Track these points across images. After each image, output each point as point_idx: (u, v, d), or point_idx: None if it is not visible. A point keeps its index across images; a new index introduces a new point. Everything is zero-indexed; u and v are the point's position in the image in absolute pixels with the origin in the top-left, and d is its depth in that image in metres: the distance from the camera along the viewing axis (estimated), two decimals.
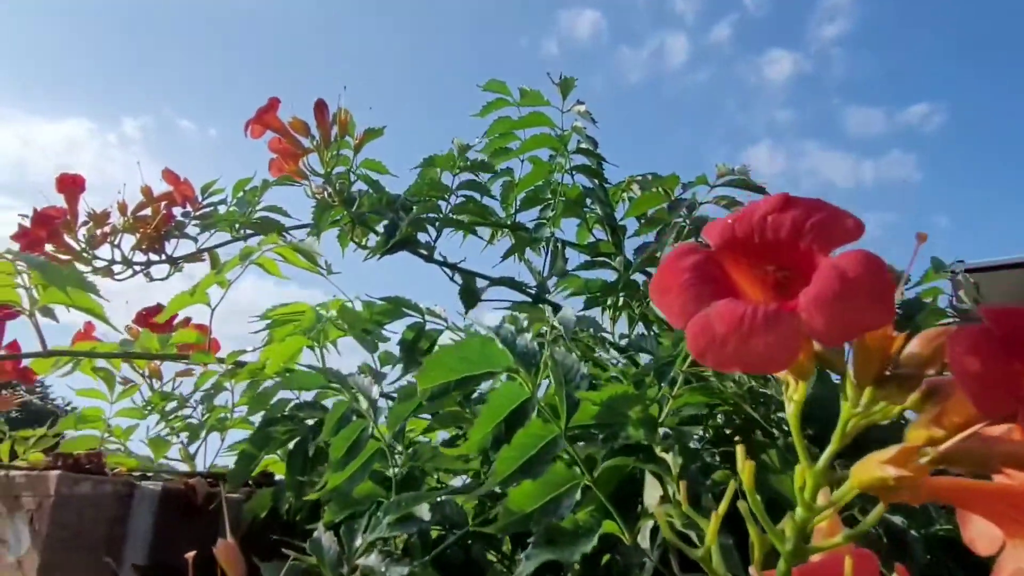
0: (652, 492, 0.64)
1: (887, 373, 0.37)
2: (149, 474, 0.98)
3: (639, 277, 1.32)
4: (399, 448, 0.74)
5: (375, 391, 0.76)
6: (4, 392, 1.04)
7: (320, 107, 1.18)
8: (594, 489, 0.60)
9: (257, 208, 1.45)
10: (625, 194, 1.53)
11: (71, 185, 1.42)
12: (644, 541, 0.62)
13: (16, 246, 1.36)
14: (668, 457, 0.61)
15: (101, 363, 1.08)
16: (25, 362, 1.03)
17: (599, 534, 0.58)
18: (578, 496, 0.59)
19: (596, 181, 1.35)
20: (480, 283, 1.32)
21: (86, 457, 0.90)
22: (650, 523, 0.62)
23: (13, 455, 0.95)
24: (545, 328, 0.77)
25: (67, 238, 1.43)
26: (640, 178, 1.47)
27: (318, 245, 1.06)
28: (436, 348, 0.97)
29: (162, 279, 1.52)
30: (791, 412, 0.41)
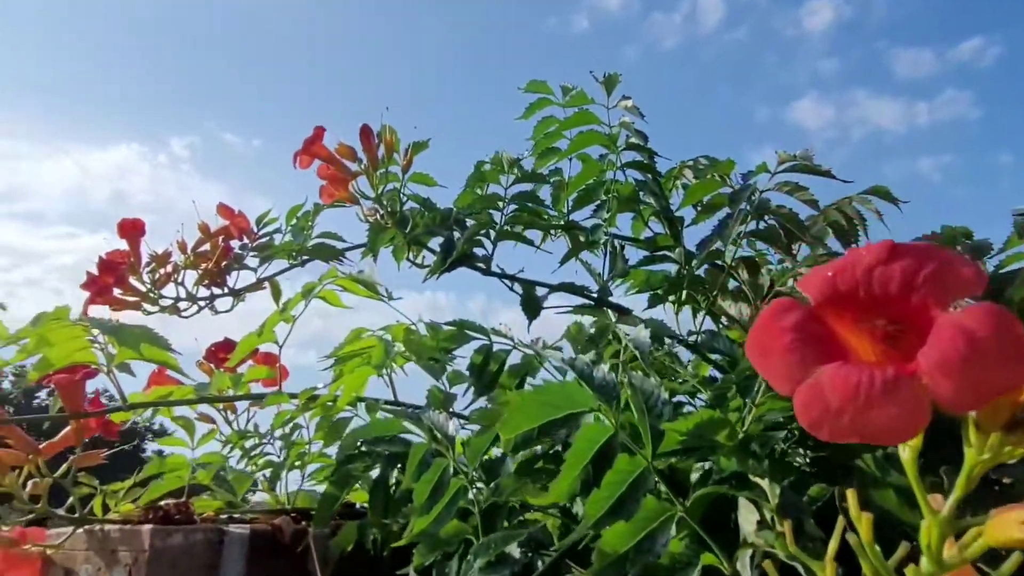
0: (748, 517, 0.61)
1: (1017, 417, 0.34)
2: (236, 514, 1.00)
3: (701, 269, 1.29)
4: (480, 482, 0.73)
5: (451, 427, 0.75)
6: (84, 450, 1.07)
7: (365, 132, 1.17)
8: (688, 520, 0.59)
9: (311, 234, 1.46)
10: (678, 181, 1.49)
11: (132, 230, 1.45)
12: (744, 570, 0.60)
13: (85, 294, 1.40)
14: (764, 483, 0.58)
15: (179, 410, 1.10)
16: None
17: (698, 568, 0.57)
18: (673, 530, 0.57)
19: (649, 175, 1.32)
20: (540, 290, 1.30)
21: (175, 507, 0.92)
22: (749, 551, 0.60)
23: (105, 508, 0.98)
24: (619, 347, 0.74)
25: (132, 280, 1.47)
26: (692, 163, 1.43)
27: (377, 274, 1.06)
28: (505, 369, 0.96)
29: (226, 311, 1.56)
30: (907, 458, 0.38)
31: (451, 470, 0.71)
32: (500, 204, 1.21)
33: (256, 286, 1.54)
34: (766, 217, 1.18)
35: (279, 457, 1.09)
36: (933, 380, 0.29)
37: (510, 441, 0.55)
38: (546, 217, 1.31)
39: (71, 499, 0.96)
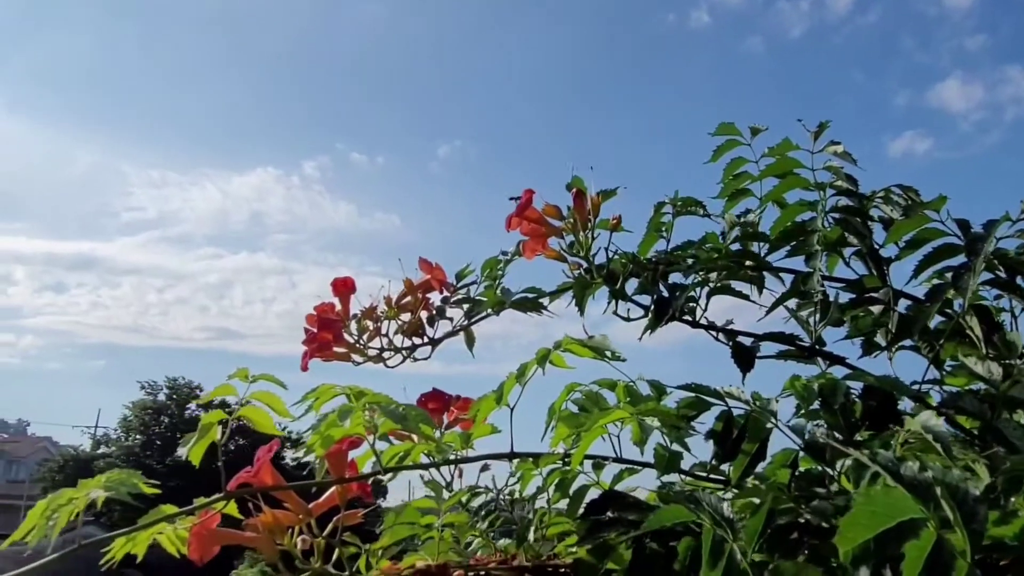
0: None
1: None
2: (482, 571, 1.06)
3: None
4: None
5: (726, 508, 0.77)
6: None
7: (579, 196, 1.22)
8: None
9: (499, 284, 1.52)
10: (873, 211, 1.45)
11: (343, 288, 1.56)
12: None
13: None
14: None
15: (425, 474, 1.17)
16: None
17: None
18: None
19: (858, 218, 1.29)
20: (744, 339, 1.30)
21: (436, 568, 0.98)
22: None
23: (368, 566, 1.06)
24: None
25: (343, 334, 1.58)
26: (883, 194, 1.38)
27: (609, 341, 1.09)
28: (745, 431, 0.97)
29: (424, 359, 1.64)
30: None
31: (737, 555, 0.73)
32: (716, 259, 1.21)
33: (452, 334, 1.62)
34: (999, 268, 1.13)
35: (510, 512, 1.14)
36: None
37: (848, 554, 0.56)
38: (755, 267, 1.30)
39: (335, 555, 1.04)
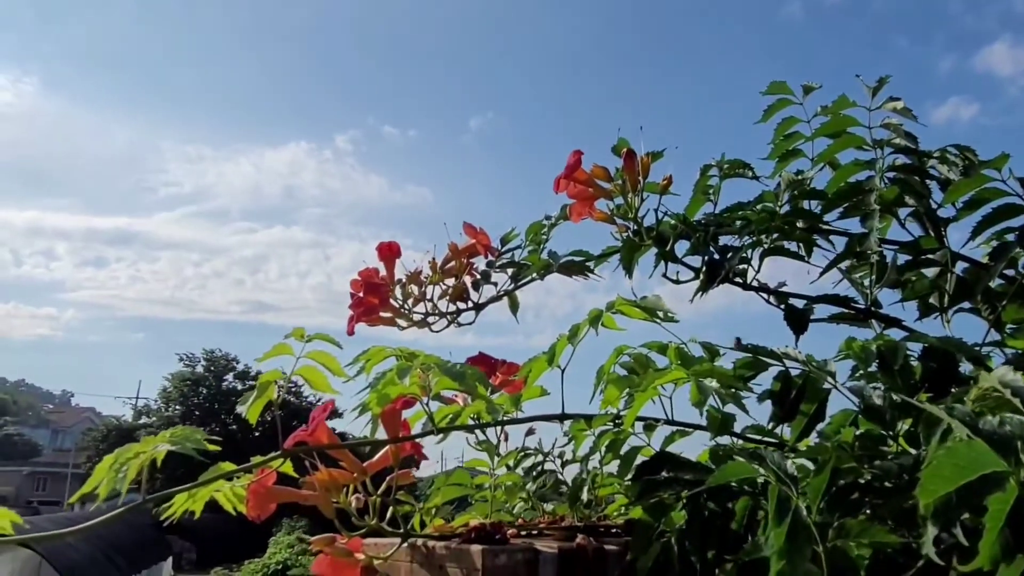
0: None
1: None
2: (534, 531, 1.06)
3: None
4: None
5: (790, 465, 0.76)
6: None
7: (630, 156, 1.20)
8: None
9: (543, 248, 1.51)
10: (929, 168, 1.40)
11: (388, 252, 1.56)
12: None
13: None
14: None
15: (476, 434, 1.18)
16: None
17: None
18: None
19: (916, 177, 1.25)
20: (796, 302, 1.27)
21: (491, 526, 0.98)
22: None
23: (422, 524, 1.07)
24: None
25: (389, 299, 1.58)
26: (939, 154, 1.34)
27: (662, 301, 1.08)
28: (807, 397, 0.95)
29: (469, 324, 1.65)
30: None
31: (802, 512, 0.72)
32: (771, 220, 1.19)
33: (495, 299, 1.62)
34: None
35: (561, 475, 1.14)
36: None
37: (930, 506, 0.55)
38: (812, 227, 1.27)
39: (389, 514, 1.05)
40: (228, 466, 0.99)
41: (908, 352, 1.05)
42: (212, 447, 0.93)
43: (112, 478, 0.82)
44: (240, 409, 0.97)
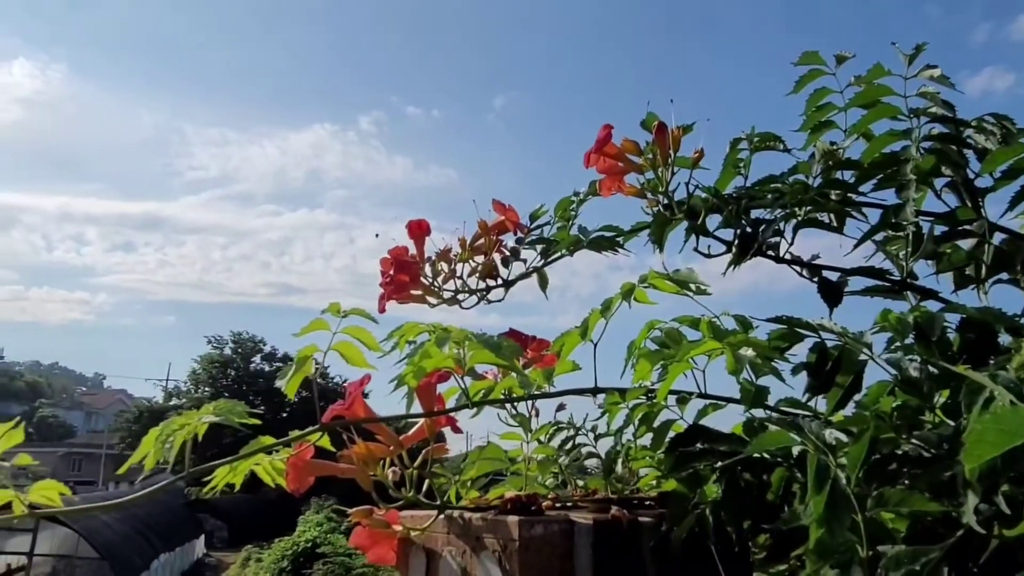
0: None
1: None
2: (568, 503, 1.07)
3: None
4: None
5: (828, 435, 0.76)
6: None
7: (661, 129, 1.19)
8: None
9: (572, 224, 1.51)
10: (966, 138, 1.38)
11: (417, 230, 1.57)
12: None
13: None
14: None
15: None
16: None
17: None
18: None
19: (954, 146, 1.23)
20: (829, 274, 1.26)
21: (527, 498, 1.00)
22: None
23: (458, 497, 1.08)
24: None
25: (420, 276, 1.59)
26: (976, 123, 1.31)
27: (696, 274, 1.07)
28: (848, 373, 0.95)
29: (499, 300, 1.66)
30: None
31: (842, 480, 0.72)
32: (807, 193, 1.17)
33: (525, 275, 1.62)
34: None
35: (594, 448, 1.15)
36: None
37: (975, 471, 0.55)
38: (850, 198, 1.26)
39: (425, 486, 1.07)
40: (268, 440, 1.01)
41: (945, 323, 1.04)
42: (253, 420, 0.95)
43: (159, 449, 0.85)
44: (279, 383, 0.98)
